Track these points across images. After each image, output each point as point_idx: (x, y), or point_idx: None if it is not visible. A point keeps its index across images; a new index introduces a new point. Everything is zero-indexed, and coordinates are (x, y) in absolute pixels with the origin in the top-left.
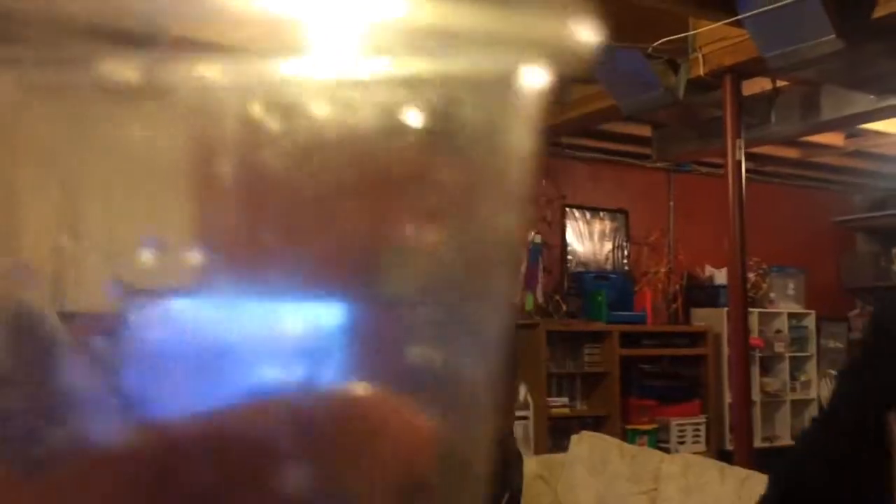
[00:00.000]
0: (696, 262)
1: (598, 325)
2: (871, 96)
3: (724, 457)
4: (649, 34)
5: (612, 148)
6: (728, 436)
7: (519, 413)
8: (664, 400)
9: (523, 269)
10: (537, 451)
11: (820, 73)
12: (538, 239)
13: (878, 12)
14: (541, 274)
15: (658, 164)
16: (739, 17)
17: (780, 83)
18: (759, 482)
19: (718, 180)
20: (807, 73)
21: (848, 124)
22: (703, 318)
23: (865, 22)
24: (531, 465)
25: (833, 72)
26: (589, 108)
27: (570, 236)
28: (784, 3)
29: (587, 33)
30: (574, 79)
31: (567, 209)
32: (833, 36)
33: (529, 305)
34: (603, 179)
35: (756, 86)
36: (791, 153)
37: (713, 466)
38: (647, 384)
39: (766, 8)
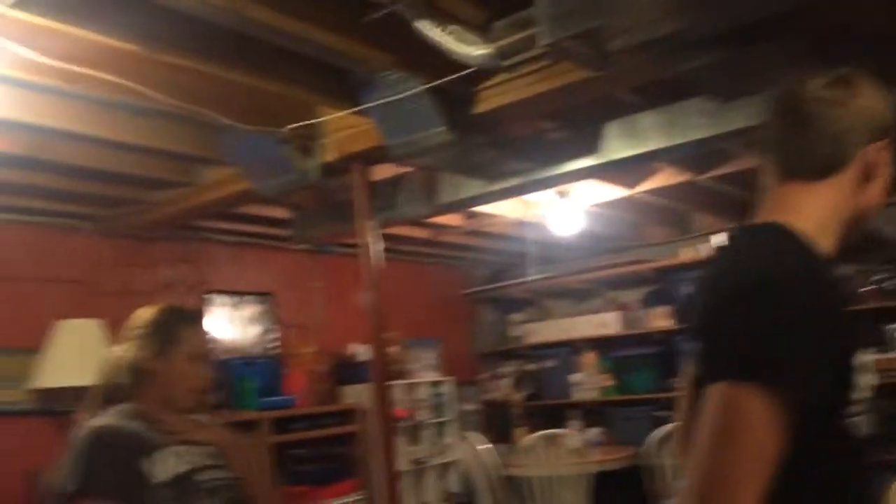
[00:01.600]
0: (342, 341)
1: (249, 414)
2: (480, 182)
3: None
4: (279, 119)
5: (254, 231)
6: None
7: None
8: (320, 482)
9: None
10: None
11: (436, 161)
12: None
13: (479, 108)
14: None
15: (301, 246)
16: (362, 107)
17: (404, 169)
18: None
19: (359, 260)
20: (424, 161)
21: (463, 206)
22: (352, 395)
23: (469, 116)
24: None
25: (447, 160)
26: (225, 190)
27: (215, 322)
28: (399, 96)
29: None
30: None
31: (210, 295)
32: (443, 128)
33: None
34: (247, 262)
35: (386, 170)
36: (421, 233)
37: None
38: (300, 469)
39: (384, 100)
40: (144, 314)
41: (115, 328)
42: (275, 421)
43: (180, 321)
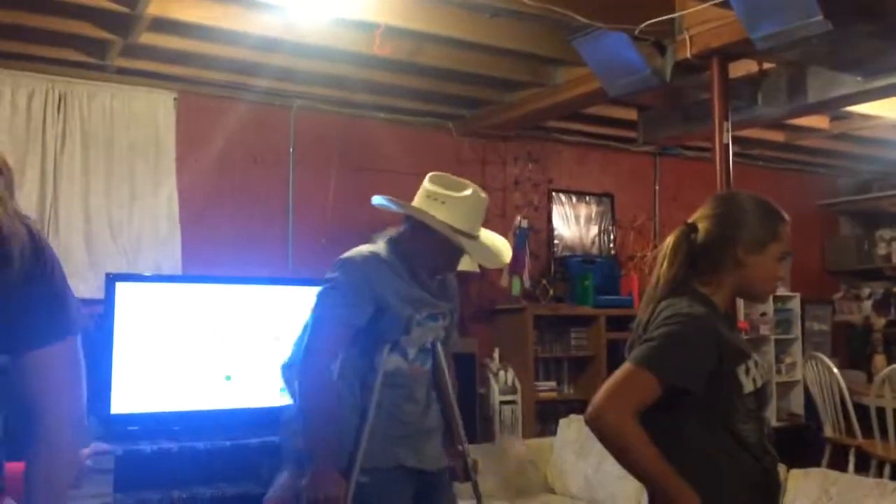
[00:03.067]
0: None
1: (585, 310)
2: (857, 78)
3: None
4: (636, 16)
5: (598, 132)
6: None
7: (507, 397)
8: None
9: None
10: (525, 435)
11: (806, 55)
12: (525, 223)
13: None
14: (527, 258)
15: (643, 148)
16: None
17: (766, 65)
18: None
19: (704, 164)
20: (793, 55)
21: (833, 107)
22: None
23: (851, 3)
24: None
25: (819, 53)
26: (575, 91)
27: (557, 221)
28: None
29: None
30: (561, 61)
31: (553, 193)
32: (820, 17)
33: (516, 290)
34: (589, 163)
35: (742, 68)
36: (777, 136)
37: None
38: None
39: None
40: (748, 201)
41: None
42: (610, 318)
43: (781, 220)
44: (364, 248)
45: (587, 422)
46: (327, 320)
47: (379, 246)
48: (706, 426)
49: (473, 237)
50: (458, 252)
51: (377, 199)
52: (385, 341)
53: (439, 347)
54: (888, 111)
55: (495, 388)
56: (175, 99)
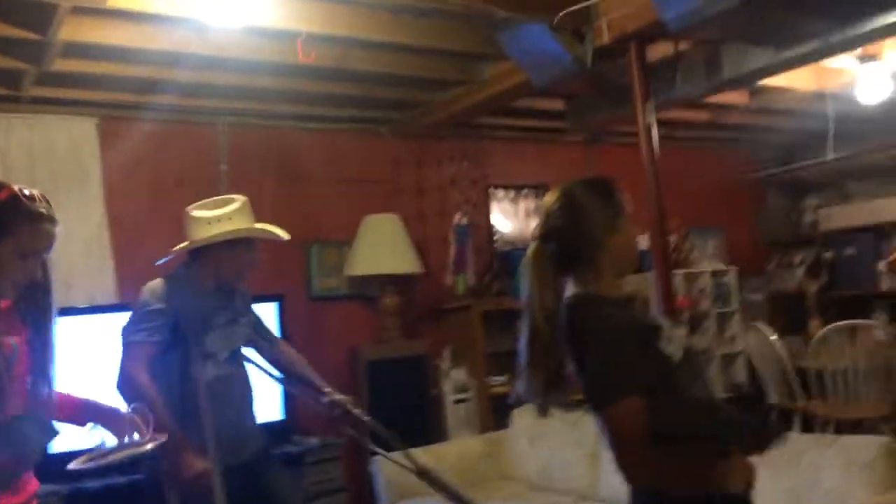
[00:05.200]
0: None
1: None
2: (770, 50)
3: None
4: (554, 6)
5: (530, 125)
6: None
7: (460, 396)
8: None
9: (453, 252)
10: (482, 431)
11: (719, 30)
12: (465, 221)
13: None
14: (470, 255)
15: (575, 138)
16: None
17: (682, 46)
18: None
19: (634, 149)
20: (706, 33)
21: (750, 80)
22: (631, 283)
23: None
24: (476, 444)
25: (732, 27)
26: (503, 85)
27: (496, 216)
28: None
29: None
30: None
31: (491, 189)
32: None
33: (461, 288)
34: (523, 157)
35: (661, 49)
36: (700, 116)
37: None
38: None
39: None
40: (580, 190)
41: (411, 221)
42: None
43: (616, 191)
44: (158, 279)
45: (629, 481)
46: (130, 344)
47: (177, 271)
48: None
49: (254, 230)
50: (240, 261)
51: (162, 261)
52: (196, 351)
53: (255, 345)
54: (801, 82)
55: (448, 387)
56: (97, 125)
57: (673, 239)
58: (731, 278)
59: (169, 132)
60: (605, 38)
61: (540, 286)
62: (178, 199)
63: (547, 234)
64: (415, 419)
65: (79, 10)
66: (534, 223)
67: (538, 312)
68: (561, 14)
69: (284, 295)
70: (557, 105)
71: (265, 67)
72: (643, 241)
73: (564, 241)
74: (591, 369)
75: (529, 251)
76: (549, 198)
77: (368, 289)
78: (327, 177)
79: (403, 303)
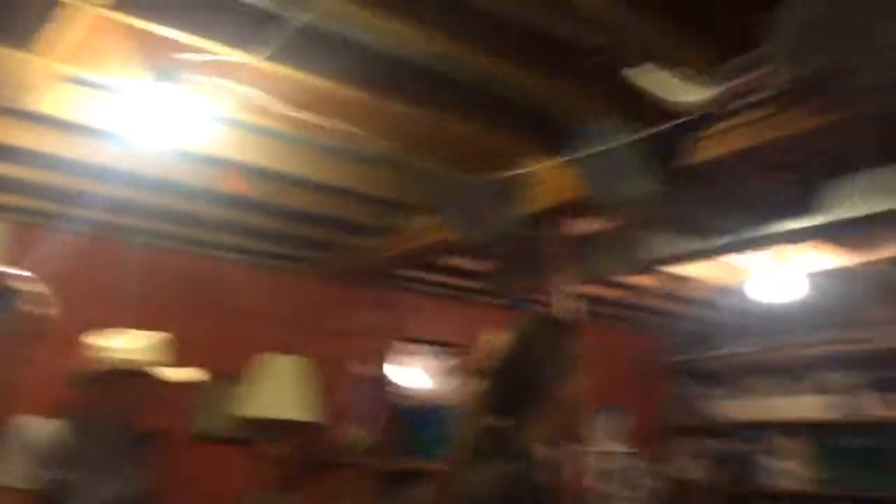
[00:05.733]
0: None
1: (438, 464)
2: (686, 239)
3: None
4: (487, 167)
5: (450, 282)
6: None
7: None
8: None
9: (353, 403)
10: None
11: (641, 215)
12: (371, 372)
13: (694, 159)
14: (372, 409)
15: (496, 301)
16: (568, 158)
17: (605, 224)
18: None
19: None
20: (629, 214)
21: (665, 265)
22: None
23: (682, 168)
24: None
25: (653, 214)
26: (426, 239)
27: (406, 370)
28: (608, 146)
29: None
30: (413, 208)
31: (403, 343)
32: (652, 179)
33: (358, 444)
34: (442, 314)
35: (586, 225)
36: (614, 293)
37: None
38: None
39: (592, 150)
40: None
41: (316, 366)
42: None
43: None
44: None
45: None
46: None
47: None
48: None
49: None
50: None
51: None
52: None
53: None
54: (710, 273)
55: None
56: (5, 229)
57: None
58: (637, 461)
59: (82, 245)
60: (534, 207)
61: None
62: (87, 314)
63: None
64: None
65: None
66: (447, 381)
67: None
68: (494, 176)
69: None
70: (475, 266)
71: (190, 192)
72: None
73: None
74: None
75: None
76: None
77: (256, 432)
78: (248, 310)
79: (293, 451)
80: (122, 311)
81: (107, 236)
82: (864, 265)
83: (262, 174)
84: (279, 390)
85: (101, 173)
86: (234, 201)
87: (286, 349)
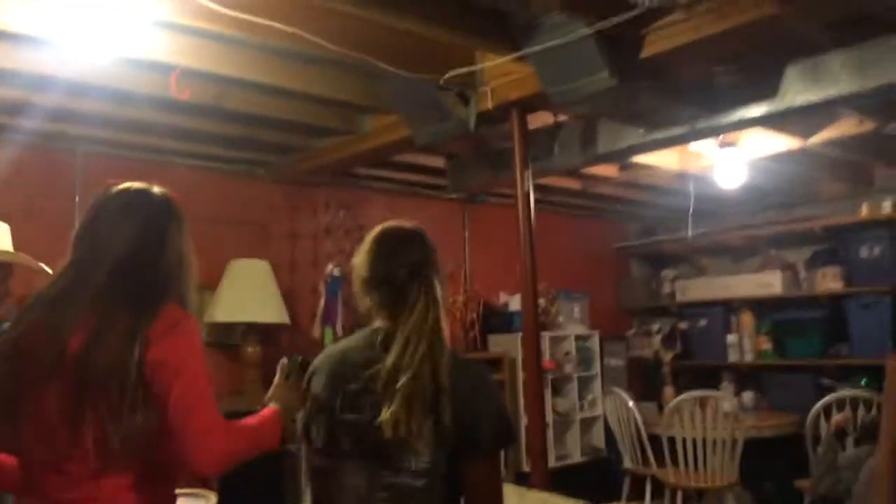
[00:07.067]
0: (491, 290)
1: None
2: (641, 130)
3: (522, 479)
4: (441, 67)
5: (409, 179)
6: (525, 458)
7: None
8: None
9: (322, 303)
10: None
11: (597, 108)
12: (337, 272)
13: (645, 53)
14: (340, 307)
15: (454, 195)
16: (523, 53)
17: (562, 117)
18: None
19: (509, 210)
20: (585, 108)
21: (620, 156)
22: (499, 343)
23: (635, 61)
24: None
25: (608, 106)
26: (384, 139)
27: None
28: (562, 41)
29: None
30: (370, 108)
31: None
32: (606, 73)
33: (329, 340)
34: (400, 211)
35: (541, 119)
36: (574, 184)
37: (513, 492)
38: None
39: (546, 45)
40: None
41: (281, 268)
42: None
43: None
44: None
45: None
46: None
47: None
48: None
49: None
50: None
51: None
52: None
53: None
54: (666, 161)
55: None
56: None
57: (542, 301)
58: (594, 343)
59: (21, 157)
60: (489, 104)
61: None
62: (27, 229)
63: None
64: (271, 473)
65: None
66: None
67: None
68: (447, 75)
69: None
70: (439, 162)
71: (136, 98)
72: (514, 302)
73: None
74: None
75: None
76: None
77: (229, 337)
78: (200, 216)
79: (266, 353)
80: (65, 223)
81: (47, 147)
82: (814, 145)
83: (212, 79)
84: (248, 294)
85: (40, 83)
86: (182, 107)
87: (253, 254)
